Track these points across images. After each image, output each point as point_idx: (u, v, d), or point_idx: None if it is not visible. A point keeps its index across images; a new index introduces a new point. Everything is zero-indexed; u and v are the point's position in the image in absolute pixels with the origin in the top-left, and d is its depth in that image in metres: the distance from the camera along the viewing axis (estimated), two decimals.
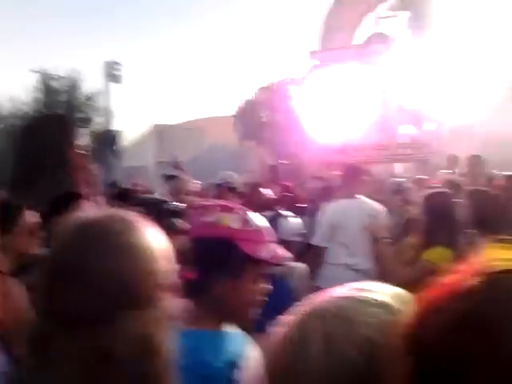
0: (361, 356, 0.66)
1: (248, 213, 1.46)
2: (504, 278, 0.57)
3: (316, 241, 4.14)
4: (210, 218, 1.43)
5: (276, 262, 1.45)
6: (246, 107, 30.98)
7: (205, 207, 1.49)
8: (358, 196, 4.20)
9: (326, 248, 4.09)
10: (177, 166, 4.94)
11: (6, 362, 1.58)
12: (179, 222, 2.07)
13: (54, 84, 25.70)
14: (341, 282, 3.19)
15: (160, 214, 1.96)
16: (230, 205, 1.50)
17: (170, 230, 1.99)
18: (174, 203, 2.19)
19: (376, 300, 0.72)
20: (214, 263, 1.39)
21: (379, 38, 10.48)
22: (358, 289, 0.75)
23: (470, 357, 0.54)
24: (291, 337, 0.71)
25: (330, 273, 4.01)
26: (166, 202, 2.16)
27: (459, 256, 2.67)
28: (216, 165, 8.84)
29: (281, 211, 3.14)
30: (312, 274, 4.11)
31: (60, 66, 27.39)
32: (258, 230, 1.43)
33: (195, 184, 3.47)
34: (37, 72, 25.17)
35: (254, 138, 26.52)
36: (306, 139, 10.31)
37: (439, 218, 2.98)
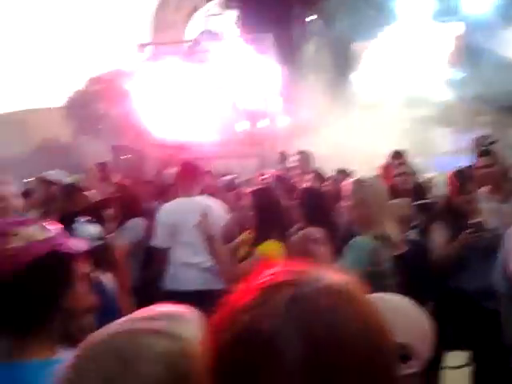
0: None
1: (40, 221, 1.40)
2: (275, 292, 0.61)
3: (157, 242, 4.07)
4: (18, 243, 1.27)
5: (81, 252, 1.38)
6: (77, 98, 29.22)
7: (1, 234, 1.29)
8: (194, 194, 4.23)
9: (168, 249, 4.04)
10: None
11: None
12: None
13: None
14: (187, 281, 3.21)
15: None
16: (22, 219, 1.38)
17: None
18: None
19: (150, 329, 0.70)
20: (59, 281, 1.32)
21: (209, 35, 10.74)
22: (133, 320, 0.74)
23: (256, 367, 0.57)
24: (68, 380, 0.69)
25: (175, 273, 3.98)
26: None
27: (289, 249, 2.87)
28: (49, 162, 8.16)
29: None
30: (159, 276, 4.06)
31: None
32: (59, 232, 1.38)
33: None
34: None
35: (90, 131, 25.16)
36: (144, 134, 10.11)
37: (266, 213, 3.16)
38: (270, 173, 6.22)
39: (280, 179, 4.66)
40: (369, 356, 0.59)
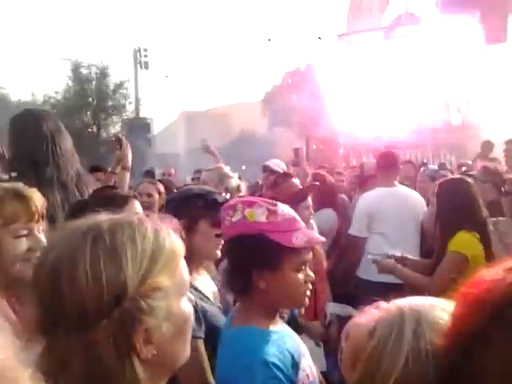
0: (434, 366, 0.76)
1: (272, 204, 1.47)
2: None
3: (354, 231, 4.10)
4: (237, 217, 1.46)
5: (310, 246, 1.47)
6: (274, 92, 30.82)
7: (230, 207, 1.50)
8: (395, 184, 4.14)
9: (365, 238, 4.05)
10: (206, 149, 4.83)
11: None
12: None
13: (84, 72, 26.11)
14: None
15: (210, 206, 1.88)
16: (253, 199, 1.53)
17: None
18: (223, 195, 2.12)
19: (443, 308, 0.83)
20: (251, 259, 1.42)
21: (408, 17, 10.24)
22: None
23: None
24: (383, 324, 0.80)
25: (370, 263, 3.96)
26: (214, 192, 2.09)
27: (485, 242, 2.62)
28: (247, 153, 8.84)
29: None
30: (353, 265, 4.10)
31: (90, 55, 27.82)
32: (286, 219, 1.45)
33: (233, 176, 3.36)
34: (67, 60, 25.61)
35: (284, 123, 26.40)
36: (337, 125, 10.22)
37: (453, 204, 2.91)
38: (470, 164, 5.75)
39: (487, 171, 4.24)
40: None
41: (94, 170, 5.71)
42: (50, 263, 0.81)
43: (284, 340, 1.45)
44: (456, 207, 2.88)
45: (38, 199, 1.47)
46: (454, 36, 8.90)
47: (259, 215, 1.43)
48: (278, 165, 4.89)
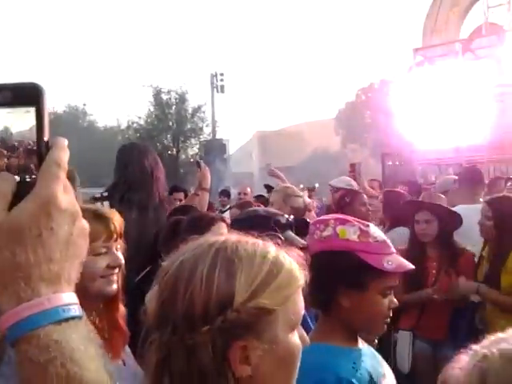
0: None
1: (366, 224, 1.47)
2: None
3: None
4: (327, 232, 1.45)
5: (398, 273, 1.45)
6: (347, 109, 30.54)
7: (322, 221, 1.50)
8: (480, 200, 3.88)
9: None
10: (271, 173, 4.91)
11: None
12: (293, 237, 2.07)
13: (165, 97, 27.38)
14: None
15: (271, 228, 1.92)
16: (345, 217, 1.52)
17: (291, 244, 2.03)
18: (286, 216, 2.19)
19: None
20: (338, 276, 1.41)
21: (490, 28, 9.84)
22: None
23: None
24: (494, 378, 0.73)
25: None
26: (278, 214, 2.15)
27: None
28: (320, 170, 8.85)
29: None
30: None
31: (169, 80, 29.19)
32: (378, 242, 1.43)
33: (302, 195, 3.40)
34: (149, 87, 27.02)
35: (358, 140, 26.08)
36: (412, 140, 9.98)
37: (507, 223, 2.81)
38: None
39: None
40: None
41: (174, 190, 5.98)
42: (176, 265, 0.87)
43: (362, 358, 1.43)
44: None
45: (116, 219, 1.55)
46: None
47: (351, 234, 1.43)
48: (343, 181, 4.85)
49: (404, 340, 3.04)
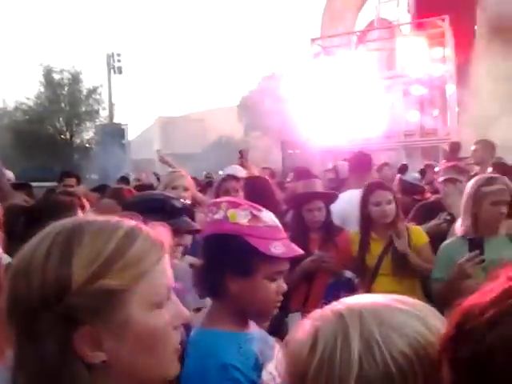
0: (394, 367, 0.66)
1: (258, 209, 1.45)
2: None
3: None
4: (218, 215, 1.43)
5: (287, 258, 1.43)
6: (250, 97, 30.92)
7: (214, 204, 1.49)
8: None
9: None
10: (162, 159, 4.92)
11: None
12: (188, 220, 2.03)
13: (57, 77, 25.73)
14: None
15: (168, 211, 1.89)
16: (239, 201, 1.49)
17: (182, 229, 1.96)
18: (181, 200, 2.14)
19: (414, 313, 0.71)
20: (225, 260, 1.39)
21: (380, 22, 10.41)
22: (396, 300, 0.74)
23: None
24: (324, 333, 0.69)
25: None
26: (173, 198, 2.09)
27: None
28: (223, 158, 8.82)
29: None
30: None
31: (62, 60, 27.57)
32: (268, 226, 1.42)
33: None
34: (39, 66, 25.24)
35: (260, 128, 26.48)
36: (310, 129, 10.29)
37: None
38: (440, 165, 5.81)
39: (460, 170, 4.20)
40: None
41: (65, 175, 5.58)
42: (19, 254, 0.81)
43: (250, 342, 1.43)
44: None
45: None
46: (423, 40, 9.06)
47: (241, 217, 1.41)
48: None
49: (294, 321, 3.07)
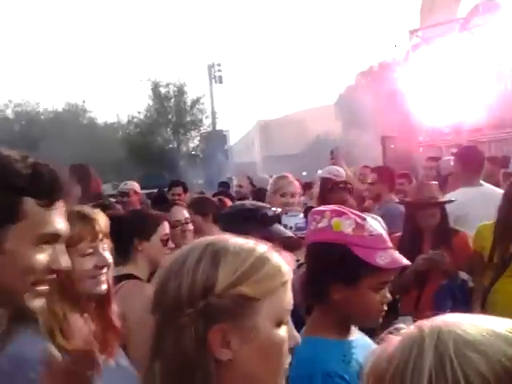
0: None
1: (362, 217, 1.44)
2: None
3: None
4: (322, 224, 1.44)
5: (394, 269, 1.43)
6: (348, 94, 30.36)
7: (318, 212, 1.49)
8: (482, 183, 3.81)
9: None
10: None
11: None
12: (279, 229, 2.03)
13: (163, 90, 27.28)
14: None
15: (260, 221, 1.94)
16: (343, 209, 1.48)
17: (274, 237, 2.01)
18: (273, 209, 2.13)
19: (506, 336, 0.66)
20: (330, 269, 1.40)
21: (486, 6, 9.68)
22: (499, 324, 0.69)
23: None
24: (402, 345, 0.69)
25: None
26: (264, 207, 2.14)
27: None
28: (322, 157, 8.80)
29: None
30: None
31: (167, 74, 29.31)
32: (373, 236, 1.40)
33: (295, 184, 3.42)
34: (147, 81, 26.96)
35: (359, 125, 25.90)
36: (413, 122, 9.88)
37: None
38: None
39: None
40: None
41: (174, 185, 5.88)
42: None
43: (354, 350, 1.42)
44: None
45: (101, 219, 1.57)
46: None
47: (346, 226, 1.41)
48: (327, 171, 4.80)
49: (405, 325, 2.99)
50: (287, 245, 2.01)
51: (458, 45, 9.07)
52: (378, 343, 0.76)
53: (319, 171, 5.61)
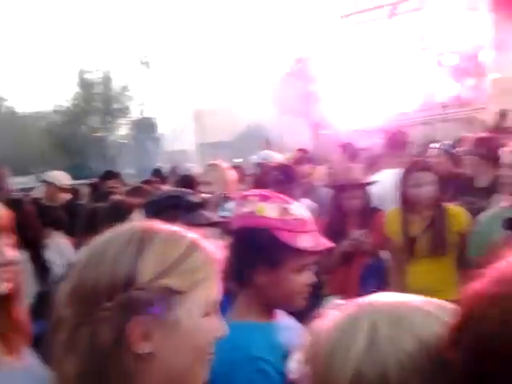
0: (397, 366, 0.64)
1: (287, 202, 1.45)
2: None
3: None
4: (248, 208, 1.44)
5: (317, 252, 1.44)
6: (280, 81, 30.67)
7: (243, 197, 1.50)
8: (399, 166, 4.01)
9: None
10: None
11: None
12: (204, 215, 2.06)
13: (90, 77, 26.31)
14: None
15: (185, 207, 1.91)
16: (269, 194, 1.50)
17: (198, 223, 1.97)
18: (198, 195, 2.14)
19: (430, 312, 0.69)
20: (254, 253, 1.40)
21: None
22: (424, 301, 0.72)
23: None
24: (336, 326, 0.71)
25: None
26: (189, 193, 2.12)
27: None
28: (256, 144, 8.81)
29: None
30: None
31: (94, 60, 28.35)
32: (298, 219, 1.42)
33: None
34: (73, 68, 25.91)
35: (291, 111, 26.24)
36: (343, 108, 10.12)
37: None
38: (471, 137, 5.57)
39: (483, 142, 3.86)
40: None
41: (108, 177, 5.42)
42: (89, 247, 0.90)
43: (278, 332, 1.43)
44: None
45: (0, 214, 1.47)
46: (457, 8, 8.72)
47: (270, 210, 1.42)
48: (260, 156, 4.86)
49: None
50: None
51: (385, 30, 9.34)
52: (311, 322, 0.77)
53: (253, 157, 5.63)
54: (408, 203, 3.03)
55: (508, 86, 9.36)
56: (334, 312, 0.74)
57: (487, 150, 3.60)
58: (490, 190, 3.44)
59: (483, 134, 4.64)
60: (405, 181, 3.04)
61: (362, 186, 3.25)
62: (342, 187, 3.22)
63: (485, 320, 0.57)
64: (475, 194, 3.61)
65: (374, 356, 0.65)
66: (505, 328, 0.55)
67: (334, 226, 3.01)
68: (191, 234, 0.92)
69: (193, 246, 0.89)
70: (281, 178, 3.59)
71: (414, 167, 3.06)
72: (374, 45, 9.35)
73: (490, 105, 9.05)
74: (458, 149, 4.45)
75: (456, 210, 3.05)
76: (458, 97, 9.37)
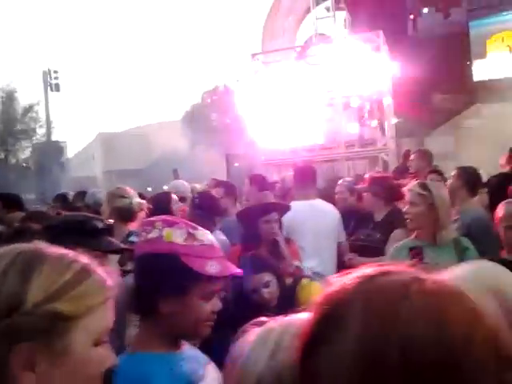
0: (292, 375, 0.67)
1: (193, 227, 1.42)
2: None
3: None
4: (153, 234, 1.40)
5: (223, 277, 1.43)
6: (194, 111, 30.84)
7: (148, 223, 1.45)
8: (312, 197, 4.13)
9: None
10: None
11: None
12: (109, 240, 1.97)
13: None
14: None
15: (89, 232, 1.85)
16: (174, 219, 1.47)
17: (103, 249, 1.88)
18: (104, 220, 2.07)
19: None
20: (159, 280, 1.36)
21: (319, 38, 10.69)
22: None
23: None
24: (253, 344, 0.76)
25: None
26: (94, 218, 2.04)
27: None
28: (168, 172, 8.69)
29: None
30: None
31: None
32: (204, 245, 1.40)
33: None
34: None
35: (205, 142, 26.36)
36: (254, 142, 10.35)
37: None
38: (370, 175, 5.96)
39: (377, 181, 4.27)
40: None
41: (7, 205, 4.92)
42: None
43: (181, 363, 1.39)
44: None
45: None
46: (362, 53, 9.37)
47: (177, 236, 1.38)
48: (172, 186, 4.86)
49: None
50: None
51: (294, 71, 9.77)
52: (239, 336, 0.80)
53: (164, 187, 5.55)
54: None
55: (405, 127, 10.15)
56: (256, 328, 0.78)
57: (380, 188, 3.98)
58: (384, 225, 3.83)
59: (377, 174, 5.24)
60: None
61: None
62: (261, 208, 3.28)
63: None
64: (374, 228, 3.96)
65: (272, 366, 0.68)
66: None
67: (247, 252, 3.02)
68: (83, 259, 0.88)
69: (84, 271, 0.85)
70: (200, 206, 3.60)
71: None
72: (283, 84, 9.74)
73: (392, 145, 9.74)
74: (357, 186, 4.75)
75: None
76: (361, 136, 9.97)
